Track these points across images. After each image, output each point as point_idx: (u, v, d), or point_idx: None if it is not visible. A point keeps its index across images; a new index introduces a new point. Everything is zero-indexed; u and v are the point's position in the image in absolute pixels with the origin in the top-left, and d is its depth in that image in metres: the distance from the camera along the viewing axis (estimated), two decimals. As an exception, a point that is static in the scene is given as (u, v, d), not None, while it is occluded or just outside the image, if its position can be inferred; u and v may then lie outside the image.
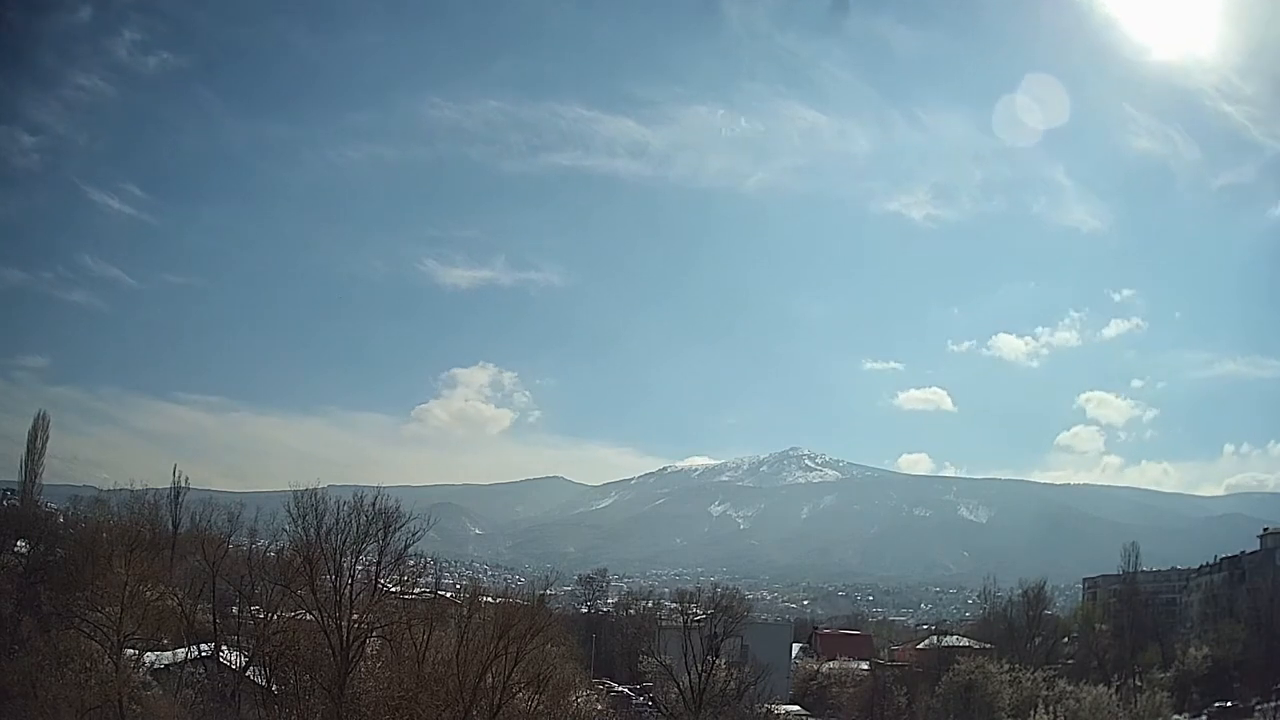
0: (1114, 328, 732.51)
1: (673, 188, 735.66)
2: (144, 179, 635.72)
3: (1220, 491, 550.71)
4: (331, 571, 42.44)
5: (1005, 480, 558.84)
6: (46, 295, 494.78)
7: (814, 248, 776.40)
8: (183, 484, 73.07)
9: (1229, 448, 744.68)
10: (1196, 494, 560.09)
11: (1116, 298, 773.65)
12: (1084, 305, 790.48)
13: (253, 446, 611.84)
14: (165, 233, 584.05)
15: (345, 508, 44.33)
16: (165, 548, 58.68)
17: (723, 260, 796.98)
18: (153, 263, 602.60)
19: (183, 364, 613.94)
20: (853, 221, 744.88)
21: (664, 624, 77.16)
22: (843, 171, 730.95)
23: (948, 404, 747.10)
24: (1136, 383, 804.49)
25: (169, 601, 46.55)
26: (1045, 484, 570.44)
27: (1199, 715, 78.50)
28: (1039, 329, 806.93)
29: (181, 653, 45.77)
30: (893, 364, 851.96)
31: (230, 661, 44.99)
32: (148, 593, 42.75)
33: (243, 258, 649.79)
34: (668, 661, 64.64)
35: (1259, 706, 76.85)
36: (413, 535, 48.65)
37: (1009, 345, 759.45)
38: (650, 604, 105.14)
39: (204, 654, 45.21)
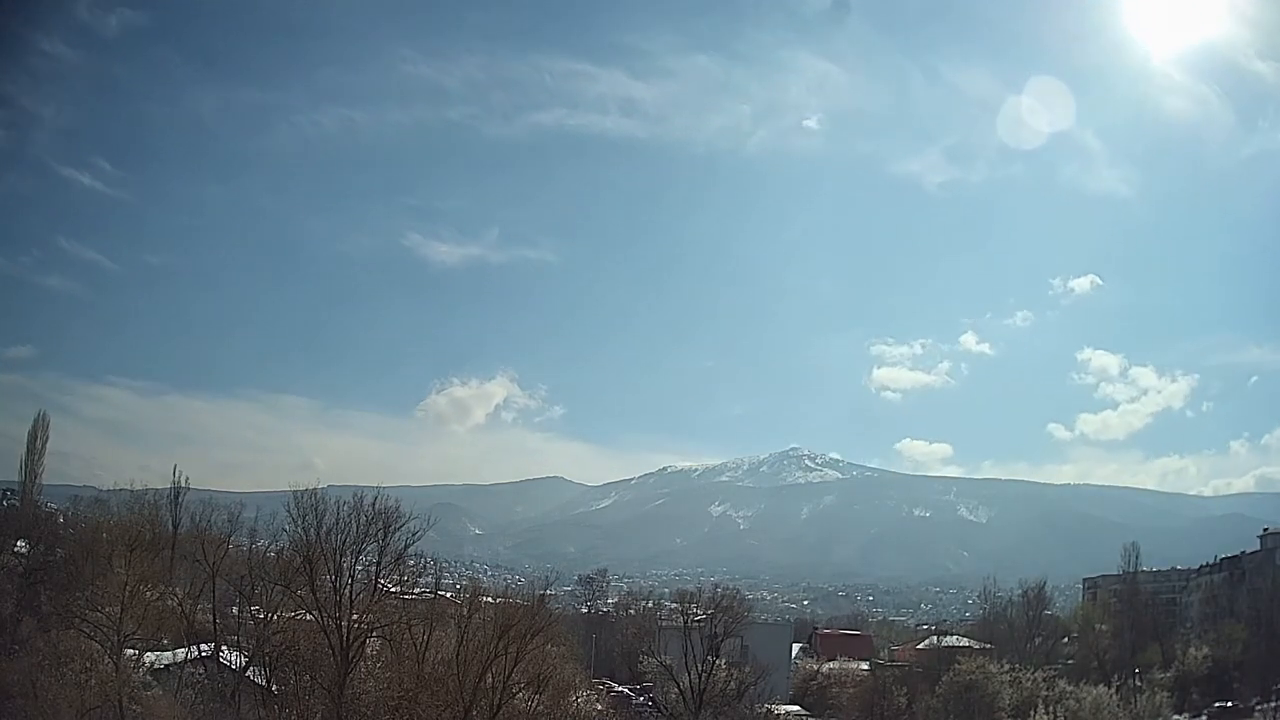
0: (1136, 306, 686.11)
1: (669, 149, 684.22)
2: (113, 153, 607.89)
3: (1251, 485, 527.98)
4: (331, 571, 42.51)
5: (1005, 480, 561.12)
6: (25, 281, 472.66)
7: (821, 215, 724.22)
8: (183, 484, 72.97)
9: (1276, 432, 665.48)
10: (1197, 494, 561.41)
11: (1142, 274, 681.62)
12: (1105, 281, 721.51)
13: (254, 442, 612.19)
14: (139, 210, 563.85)
15: (345, 508, 44.36)
16: (165, 548, 58.36)
17: (724, 235, 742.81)
18: (130, 243, 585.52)
19: (173, 356, 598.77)
20: (864, 185, 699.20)
21: (664, 624, 77.00)
22: (854, 129, 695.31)
23: (955, 386, 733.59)
24: (1161, 366, 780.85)
25: (169, 601, 46.54)
26: (1045, 484, 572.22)
27: (1199, 715, 78.54)
28: (1053, 312, 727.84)
29: (181, 653, 45.69)
30: (892, 340, 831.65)
31: (230, 661, 44.90)
32: (148, 593, 42.75)
33: (219, 236, 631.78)
34: (668, 661, 64.66)
35: (1259, 706, 76.87)
36: (413, 535, 48.54)
37: (1023, 326, 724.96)
38: (650, 604, 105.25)
39: (204, 654, 45.12)
